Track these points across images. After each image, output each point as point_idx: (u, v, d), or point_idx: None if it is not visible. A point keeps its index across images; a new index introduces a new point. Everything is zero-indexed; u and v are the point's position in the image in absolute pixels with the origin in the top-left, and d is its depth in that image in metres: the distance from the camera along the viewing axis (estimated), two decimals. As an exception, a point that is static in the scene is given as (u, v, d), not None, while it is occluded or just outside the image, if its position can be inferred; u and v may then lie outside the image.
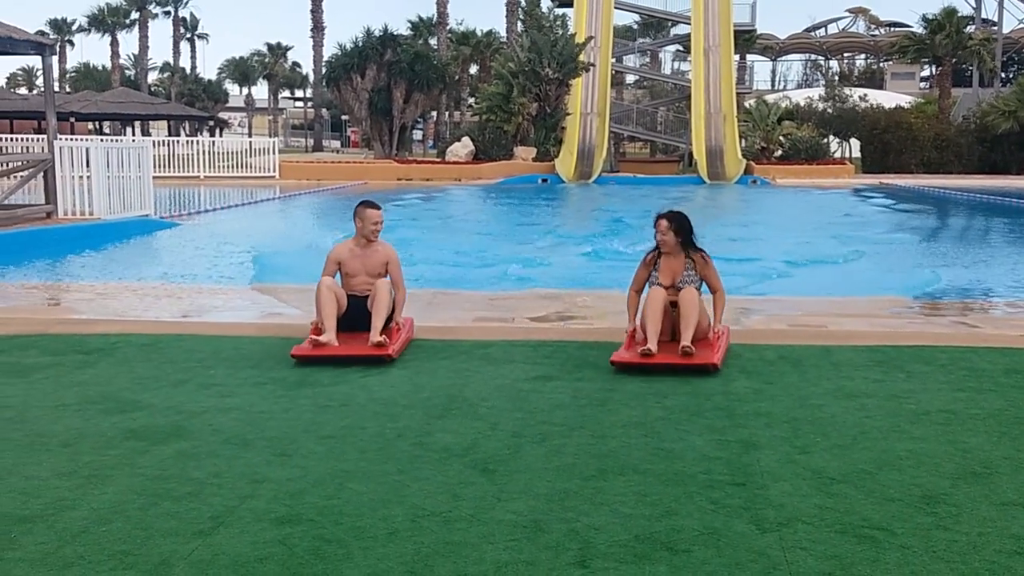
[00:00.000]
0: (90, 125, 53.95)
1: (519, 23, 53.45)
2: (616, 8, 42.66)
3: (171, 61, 75.31)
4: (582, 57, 37.77)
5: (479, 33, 60.52)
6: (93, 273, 13.18)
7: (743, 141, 38.29)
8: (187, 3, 76.42)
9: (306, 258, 11.26)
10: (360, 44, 42.21)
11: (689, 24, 42.36)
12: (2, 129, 40.89)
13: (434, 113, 57.43)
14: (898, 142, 39.75)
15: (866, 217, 22.26)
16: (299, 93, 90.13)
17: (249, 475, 4.52)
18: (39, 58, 17.30)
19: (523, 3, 52.29)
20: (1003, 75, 58.11)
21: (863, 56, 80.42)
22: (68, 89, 71.13)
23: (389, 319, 7.19)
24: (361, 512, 4.08)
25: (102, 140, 22.39)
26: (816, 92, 48.58)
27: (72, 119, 42.56)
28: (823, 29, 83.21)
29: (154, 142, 29.29)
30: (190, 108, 57.27)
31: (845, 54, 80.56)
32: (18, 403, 5.73)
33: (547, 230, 18.99)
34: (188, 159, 33.44)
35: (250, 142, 38.10)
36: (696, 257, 7.05)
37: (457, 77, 55.56)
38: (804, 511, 4.09)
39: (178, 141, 35.75)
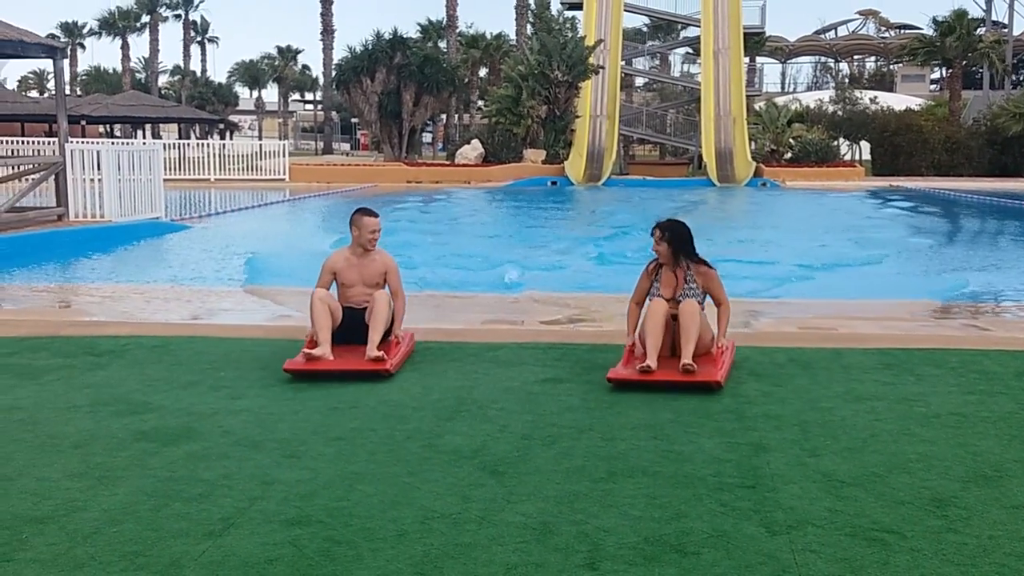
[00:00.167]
0: (101, 128, 54.09)
1: (529, 26, 53.43)
2: (625, 11, 42.64)
3: (181, 64, 75.48)
4: (591, 60, 37.78)
5: (489, 36, 60.61)
6: (104, 275, 13.22)
7: (753, 143, 38.25)
8: (198, 6, 76.55)
9: (316, 261, 11.28)
10: (370, 47, 42.22)
11: (699, 27, 42.34)
12: (13, 132, 41.02)
13: (444, 116, 57.42)
14: (908, 144, 39.64)
15: (876, 220, 22.21)
16: (309, 96, 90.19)
17: (259, 476, 4.53)
18: (50, 61, 17.37)
19: (533, 6, 52.25)
20: (1014, 77, 57.91)
21: (873, 58, 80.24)
22: (79, 92, 71.38)
23: (388, 332, 6.89)
24: (371, 514, 4.09)
25: (113, 143, 22.47)
26: (826, 94, 48.46)
27: (83, 122, 42.63)
28: (833, 31, 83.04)
29: (165, 145, 29.35)
30: (200, 111, 57.38)
31: (855, 56, 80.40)
32: (29, 405, 5.75)
33: (556, 233, 18.99)
34: (198, 162, 33.52)
35: (260, 145, 38.18)
36: (696, 268, 6.68)
37: (467, 80, 55.59)
38: (814, 514, 4.09)
39: (188, 144, 35.84)
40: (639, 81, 62.03)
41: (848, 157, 43.37)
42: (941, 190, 31.30)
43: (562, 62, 36.71)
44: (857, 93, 45.86)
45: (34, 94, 76.37)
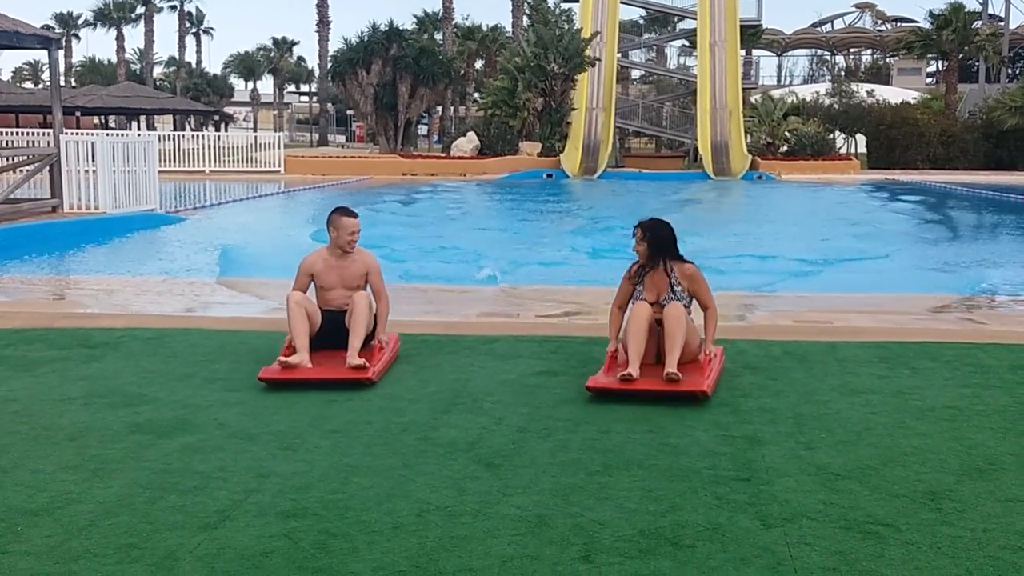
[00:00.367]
0: (95, 119, 54.01)
1: (525, 18, 53.39)
2: (622, 3, 42.59)
3: (176, 55, 75.45)
4: (588, 52, 37.72)
5: (485, 28, 60.55)
6: (98, 267, 13.20)
7: (748, 136, 38.23)
8: (193, -3, 76.45)
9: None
10: (366, 39, 42.16)
11: (695, 19, 42.28)
12: (8, 123, 40.93)
13: (439, 108, 57.45)
14: (904, 138, 39.66)
15: (871, 213, 22.22)
16: (304, 88, 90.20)
17: (255, 469, 4.53)
18: (45, 52, 17.31)
19: (529, -2, 52.29)
20: (1009, 71, 57.95)
21: (869, 51, 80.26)
22: (74, 83, 71.25)
23: (371, 336, 6.51)
24: (366, 506, 4.09)
25: (108, 134, 22.42)
26: (822, 87, 48.46)
27: (78, 113, 42.57)
28: (829, 24, 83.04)
29: (159, 136, 29.31)
30: (195, 103, 57.31)
31: (851, 49, 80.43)
32: (24, 397, 5.75)
33: (551, 226, 18.99)
34: (193, 153, 33.46)
35: (255, 137, 38.11)
36: (680, 269, 6.31)
37: (462, 72, 55.53)
38: (809, 507, 4.10)
39: (183, 135, 35.78)
40: (635, 74, 61.99)
41: (844, 150, 43.41)
42: (937, 183, 31.32)
43: (558, 54, 36.67)
44: (853, 86, 45.87)
45: (28, 85, 76.25)
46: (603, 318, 8.66)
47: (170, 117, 57.31)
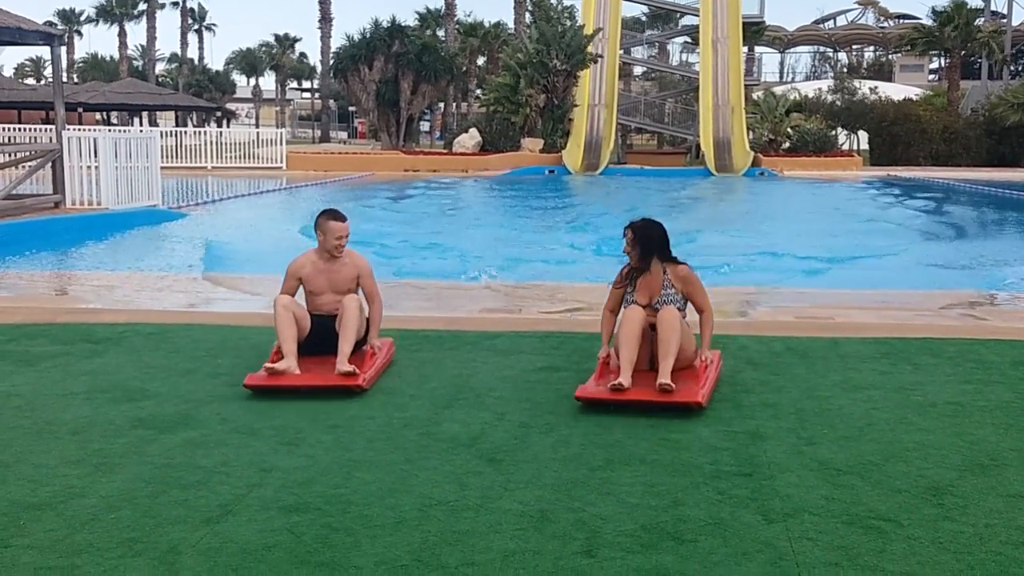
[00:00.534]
0: (98, 115, 54.02)
1: (527, 14, 53.33)
2: (624, -1, 42.59)
3: (179, 52, 75.34)
4: (590, 48, 37.70)
5: (487, 24, 60.53)
6: (101, 263, 13.21)
7: (751, 133, 38.22)
8: (195, -6, 76.41)
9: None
10: (368, 35, 42.13)
11: (697, 16, 42.27)
12: (10, 119, 40.94)
13: (441, 104, 57.40)
14: (907, 134, 39.62)
15: (873, 210, 22.22)
16: (306, 84, 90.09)
17: (257, 464, 4.54)
18: (47, 48, 17.34)
19: (531, -6, 52.23)
20: (1012, 67, 57.87)
21: (872, 48, 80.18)
22: (76, 79, 71.28)
23: (363, 341, 6.27)
24: (368, 501, 4.10)
25: (110, 130, 22.42)
26: (825, 84, 48.42)
27: (80, 109, 42.59)
28: (832, 21, 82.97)
29: (162, 132, 29.31)
30: (198, 99, 57.27)
31: (854, 46, 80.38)
32: (27, 391, 5.75)
33: (553, 222, 18.98)
34: (196, 149, 33.48)
35: (257, 133, 38.11)
36: (673, 271, 6.01)
37: (465, 68, 55.53)
38: (811, 502, 4.10)
39: (186, 132, 35.81)
40: (637, 70, 61.97)
41: (846, 147, 43.37)
42: (939, 180, 31.29)
43: (561, 51, 36.65)
44: (856, 83, 45.83)
45: (31, 81, 76.25)
46: (605, 314, 8.68)
47: (172, 113, 57.39)
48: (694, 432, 5.02)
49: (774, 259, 12.99)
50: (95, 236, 15.11)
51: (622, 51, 43.77)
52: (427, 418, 5.26)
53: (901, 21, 74.85)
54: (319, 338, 6.17)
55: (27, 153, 17.64)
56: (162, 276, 11.64)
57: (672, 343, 5.60)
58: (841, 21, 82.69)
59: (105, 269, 12.45)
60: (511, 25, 58.07)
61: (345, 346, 5.93)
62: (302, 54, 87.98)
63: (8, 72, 77.17)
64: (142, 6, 73.15)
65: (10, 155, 17.42)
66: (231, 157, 33.80)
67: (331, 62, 49.34)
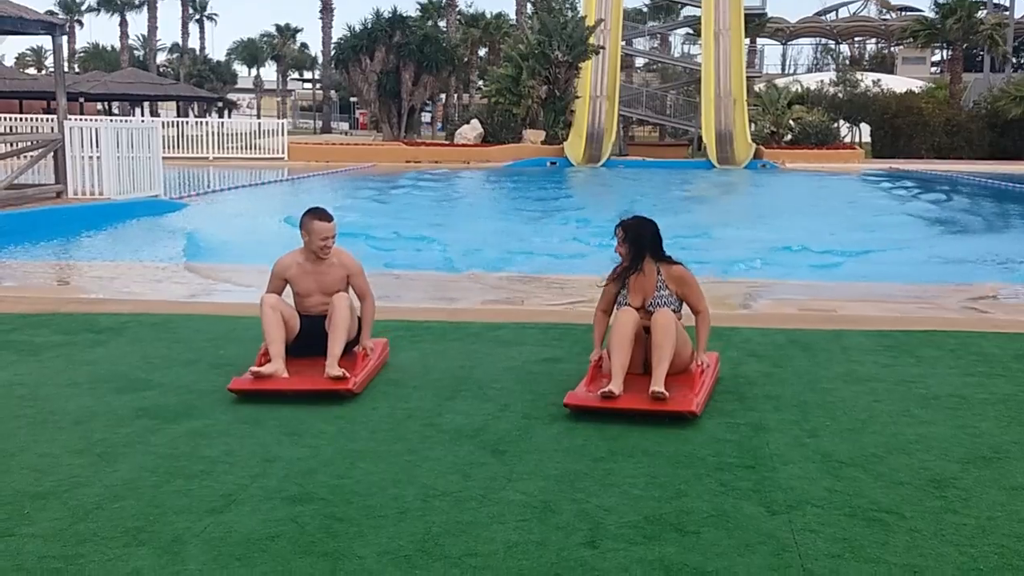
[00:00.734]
0: (99, 105, 53.95)
1: (529, 5, 53.31)
2: (626, -10, 42.49)
3: (180, 42, 75.24)
4: (592, 40, 37.66)
5: (488, 15, 60.44)
6: (103, 253, 13.23)
7: (753, 125, 38.19)
8: (196, -16, 76.27)
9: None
10: (369, 26, 42.10)
11: (699, 7, 42.19)
12: (11, 109, 40.90)
13: (443, 95, 57.33)
14: (909, 127, 39.62)
15: (874, 202, 22.21)
16: (308, 75, 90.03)
17: (260, 454, 4.54)
18: (49, 38, 17.30)
19: (533, -15, 52.14)
20: (1014, 60, 57.81)
21: (874, 40, 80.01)
22: (77, 69, 71.22)
23: (354, 342, 5.96)
24: (372, 491, 4.10)
25: (112, 120, 22.41)
26: (827, 76, 48.34)
27: (81, 99, 42.51)
28: (834, 13, 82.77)
29: (163, 123, 29.29)
30: (199, 89, 57.22)
31: (856, 38, 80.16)
32: (30, 381, 5.76)
33: (555, 214, 18.97)
34: (197, 140, 33.47)
35: (259, 123, 38.12)
36: (667, 271, 5.73)
37: (466, 59, 55.47)
38: (813, 494, 4.10)
39: (187, 122, 35.79)
40: (639, 62, 61.80)
41: (848, 139, 43.33)
42: (941, 172, 31.26)
43: (562, 42, 36.61)
44: (858, 75, 45.77)
45: (32, 71, 76.16)
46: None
47: (173, 103, 57.26)
48: (697, 424, 5.02)
49: (776, 251, 12.97)
50: (97, 226, 15.13)
51: (624, 42, 43.70)
52: (430, 409, 5.26)
53: (903, 13, 74.64)
54: (309, 339, 5.88)
55: (29, 143, 17.63)
56: (164, 266, 11.64)
57: (666, 348, 5.35)
58: (843, 13, 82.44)
59: (107, 259, 12.45)
60: (513, 16, 58.03)
61: (335, 348, 5.64)
62: (303, 44, 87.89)
63: (9, 62, 77.11)
64: (143, -4, 73.04)
65: (12, 145, 17.41)
66: (232, 148, 33.79)
67: (332, 53, 49.33)
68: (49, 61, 78.45)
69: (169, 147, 29.78)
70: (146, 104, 55.21)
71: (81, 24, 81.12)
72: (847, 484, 4.22)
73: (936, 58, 69.65)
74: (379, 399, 5.44)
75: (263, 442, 4.71)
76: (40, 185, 17.12)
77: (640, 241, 5.73)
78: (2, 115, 24.55)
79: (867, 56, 77.45)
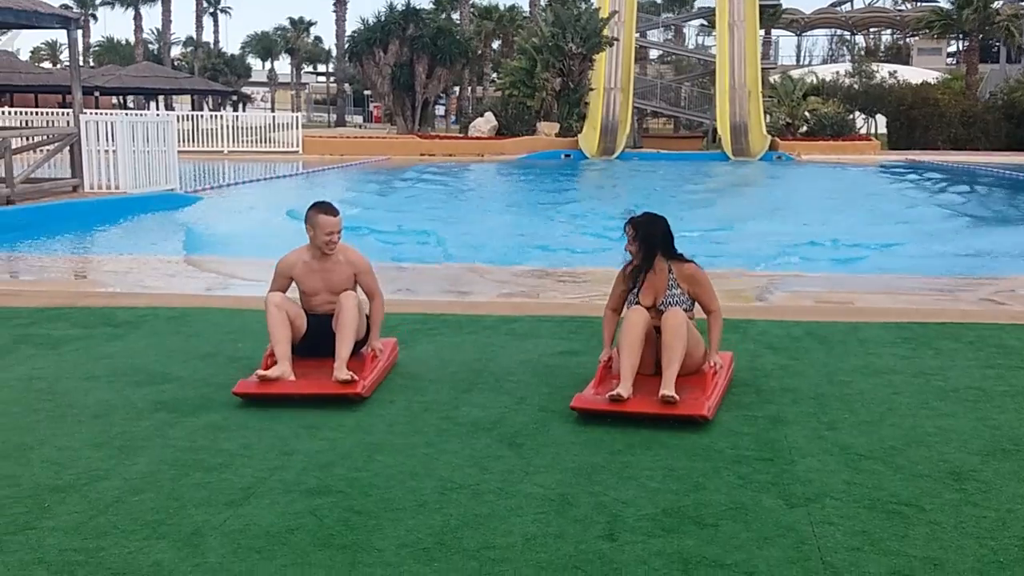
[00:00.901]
0: (114, 99, 54.13)
1: (542, -3, 53.17)
2: (640, -18, 42.37)
3: (194, 35, 75.37)
4: (606, 32, 37.57)
5: (502, 8, 60.34)
6: (120, 246, 13.26)
7: (768, 117, 38.06)
8: (210, -23, 76.38)
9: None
10: (383, 19, 42.13)
11: (714, -1, 42.04)
12: (27, 103, 41.08)
13: (457, 88, 57.34)
14: (925, 118, 39.46)
15: (891, 194, 22.11)
16: (321, 68, 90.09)
17: (278, 447, 4.56)
18: (63, 32, 17.36)
19: (546, -23, 52.04)
20: (1031, 51, 57.42)
21: (889, 31, 79.63)
22: (92, 63, 71.35)
23: (363, 342, 5.76)
24: (390, 484, 4.11)
25: (127, 114, 22.49)
26: (842, 67, 48.16)
27: (96, 93, 42.71)
28: (849, 4, 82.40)
29: (178, 116, 29.34)
30: (213, 83, 57.37)
31: (871, 29, 79.78)
32: (49, 375, 5.79)
33: (570, 207, 18.95)
34: (212, 133, 33.52)
35: (273, 117, 38.18)
36: (679, 269, 5.57)
37: (480, 52, 55.41)
38: (832, 486, 4.09)
39: (202, 116, 35.83)
40: (653, 53, 61.71)
41: (864, 131, 43.16)
42: (957, 164, 31.10)
43: (576, 34, 36.53)
44: (874, 66, 45.58)
45: (47, 65, 76.34)
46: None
47: (188, 97, 57.43)
48: (714, 417, 5.01)
49: (792, 243, 12.94)
50: (113, 220, 15.18)
51: (638, 34, 43.60)
52: (447, 402, 5.27)
53: (919, 4, 74.26)
54: (316, 339, 5.68)
55: (45, 137, 17.69)
56: (180, 260, 11.68)
57: (677, 349, 5.18)
58: (858, 4, 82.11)
59: (124, 253, 12.49)
60: (526, 8, 57.92)
61: (343, 350, 5.42)
62: (317, 38, 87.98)
63: (24, 56, 77.29)
64: (157, -11, 73.16)
65: (29, 139, 17.48)
66: (247, 141, 33.85)
67: (346, 46, 49.38)
68: (64, 55, 78.69)
69: (184, 141, 29.83)
70: (161, 98, 55.33)
71: (95, 18, 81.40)
72: (866, 477, 4.21)
73: (952, 49, 69.32)
74: (396, 392, 5.45)
75: (281, 435, 4.72)
76: (56, 179, 17.18)
77: (651, 240, 5.55)
78: (18, 109, 24.65)
79: (882, 47, 77.06)
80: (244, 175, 25.20)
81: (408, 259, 11.35)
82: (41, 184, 16.49)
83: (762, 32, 47.55)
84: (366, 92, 65.10)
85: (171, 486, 4.09)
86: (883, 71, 44.14)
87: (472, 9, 58.56)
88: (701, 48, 56.76)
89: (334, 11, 63.66)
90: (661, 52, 60.65)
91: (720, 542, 3.58)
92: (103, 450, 4.51)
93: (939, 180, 25.61)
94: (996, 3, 46.00)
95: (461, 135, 39.57)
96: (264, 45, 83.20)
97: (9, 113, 26.65)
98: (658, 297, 5.53)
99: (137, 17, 73.64)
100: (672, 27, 60.65)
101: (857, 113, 42.40)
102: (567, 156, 34.76)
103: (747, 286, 9.59)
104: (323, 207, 5.77)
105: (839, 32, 79.40)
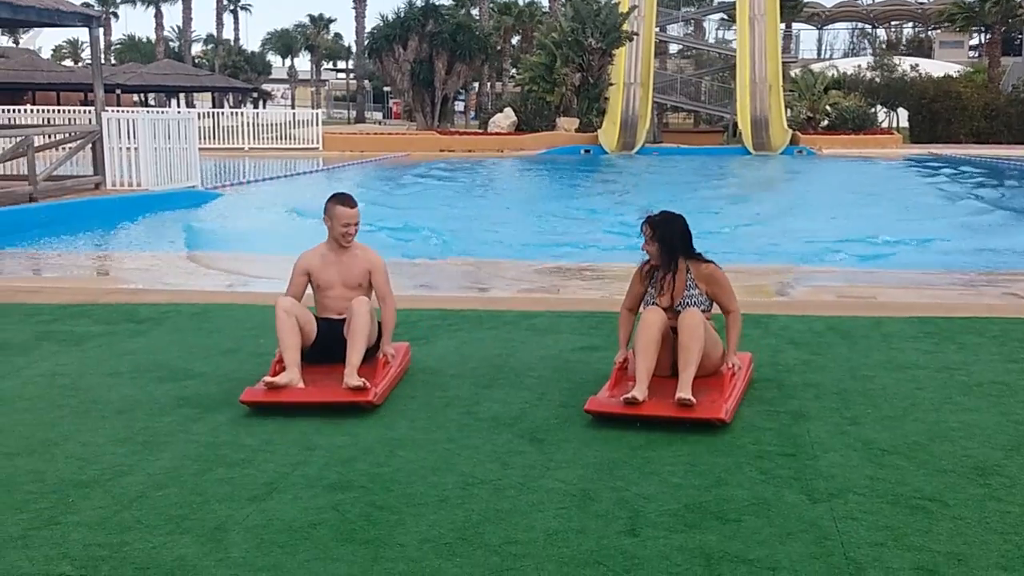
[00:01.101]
0: (135, 97, 54.39)
1: (561, -8, 53.03)
2: (660, -23, 42.22)
3: (215, 33, 75.62)
4: (625, 26, 37.48)
5: (521, 3, 60.25)
6: (142, 243, 13.35)
7: (789, 111, 37.88)
8: (230, -26, 76.60)
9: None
10: (402, 15, 42.12)
11: (734, -8, 41.85)
12: (49, 101, 41.33)
13: (476, 84, 57.28)
14: (947, 112, 39.20)
15: (913, 187, 21.99)
16: (341, 65, 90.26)
17: (301, 442, 4.57)
18: (85, 30, 17.45)
19: (565, -28, 51.91)
20: (1055, 43, 56.93)
21: (911, 24, 79.09)
22: (113, 61, 71.65)
23: (375, 348, 5.60)
24: (411, 479, 4.12)
25: (148, 112, 22.59)
26: (863, 61, 47.88)
27: (118, 91, 42.92)
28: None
29: (199, 114, 29.46)
30: (234, 80, 57.56)
31: (892, 22, 79.26)
32: (73, 371, 5.82)
33: (589, 202, 18.93)
34: (232, 131, 33.64)
35: (293, 114, 38.25)
36: (696, 269, 5.44)
37: (499, 47, 55.34)
38: (855, 482, 4.08)
39: (222, 113, 35.97)
40: (673, 48, 61.45)
41: (885, 124, 42.91)
42: (980, 157, 30.89)
43: (596, 29, 36.45)
44: (895, 60, 45.30)
45: (68, 63, 76.80)
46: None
47: (209, 94, 57.70)
48: (736, 412, 4.99)
49: (814, 238, 12.89)
50: (135, 217, 15.26)
51: (658, 28, 43.42)
52: (468, 397, 5.27)
53: (941, -4, 73.74)
54: (327, 344, 5.57)
55: (67, 135, 17.80)
56: (202, 256, 11.72)
57: (694, 351, 5.04)
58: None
59: (147, 249, 12.57)
60: (545, 3, 57.81)
61: (354, 356, 5.27)
62: (337, 34, 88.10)
63: (46, 54, 77.77)
64: (178, -13, 73.38)
65: (51, 136, 17.59)
66: (267, 138, 33.95)
67: (366, 42, 49.34)
68: (86, 53, 79.15)
69: (205, 138, 29.94)
70: (182, 95, 55.60)
71: (117, 16, 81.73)
72: (889, 472, 4.19)
73: (974, 42, 68.72)
74: (417, 387, 5.46)
75: (303, 430, 4.74)
76: (79, 176, 17.28)
77: (669, 240, 5.40)
78: (40, 107, 24.79)
79: (904, 40, 76.56)
80: (264, 172, 25.27)
81: (427, 255, 11.36)
82: (63, 181, 16.59)
83: (782, 26, 47.29)
84: (386, 88, 65.24)
85: (194, 481, 4.11)
86: (904, 64, 43.85)
87: (491, 4, 58.48)
88: (721, 42, 56.60)
89: (354, 8, 63.64)
90: (681, 46, 60.44)
91: (742, 537, 3.57)
92: (126, 445, 4.54)
93: (962, 174, 25.43)
94: (1019, -5, 45.64)
95: (481, 131, 39.57)
96: (284, 42, 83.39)
97: (32, 111, 26.81)
98: (676, 297, 5.41)
99: (158, 15, 73.89)
100: (692, 21, 60.40)
101: (879, 107, 42.17)
102: (587, 151, 34.72)
103: (768, 281, 9.56)
104: (341, 198, 5.75)
105: (860, 25, 78.90)
